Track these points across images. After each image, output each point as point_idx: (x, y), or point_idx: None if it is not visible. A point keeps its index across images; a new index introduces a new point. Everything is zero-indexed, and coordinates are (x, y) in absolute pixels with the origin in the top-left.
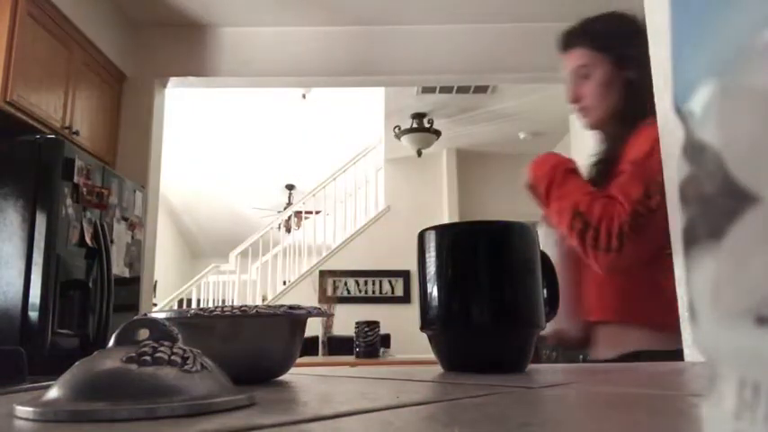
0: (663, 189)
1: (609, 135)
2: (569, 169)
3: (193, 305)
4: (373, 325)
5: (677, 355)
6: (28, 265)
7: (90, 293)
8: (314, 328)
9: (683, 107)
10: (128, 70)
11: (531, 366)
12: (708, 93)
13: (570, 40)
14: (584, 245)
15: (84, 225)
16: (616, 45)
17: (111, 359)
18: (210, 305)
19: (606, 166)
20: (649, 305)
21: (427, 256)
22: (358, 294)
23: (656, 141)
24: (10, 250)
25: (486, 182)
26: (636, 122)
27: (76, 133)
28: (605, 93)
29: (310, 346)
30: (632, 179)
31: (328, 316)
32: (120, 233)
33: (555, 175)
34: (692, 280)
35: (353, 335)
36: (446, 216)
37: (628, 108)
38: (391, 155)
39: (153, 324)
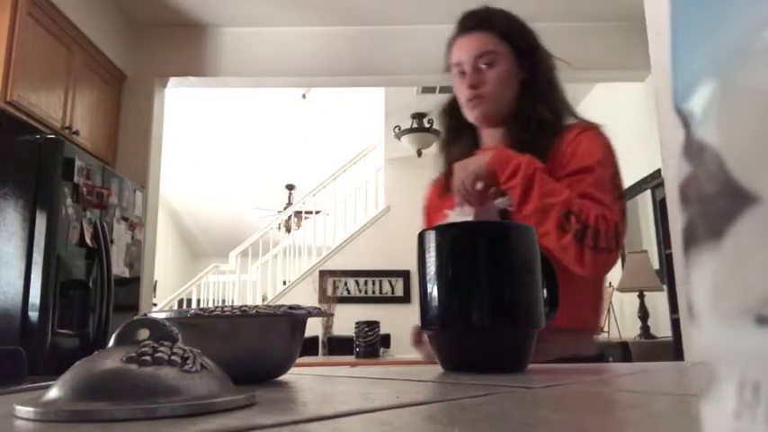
0: (623, 193)
1: (511, 135)
2: (543, 168)
3: (193, 305)
4: (373, 325)
5: (595, 359)
6: (28, 265)
7: (90, 293)
8: (314, 328)
9: (683, 107)
10: (128, 70)
11: (531, 366)
12: (708, 93)
13: (477, 21)
14: (582, 245)
15: (84, 225)
16: (518, 41)
17: (111, 359)
18: (210, 305)
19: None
20: (595, 310)
21: (427, 256)
22: (358, 294)
23: (607, 149)
24: (10, 250)
25: None
26: (550, 127)
27: (76, 133)
28: (504, 86)
29: (310, 346)
30: (604, 182)
31: (328, 316)
32: (120, 233)
33: (535, 172)
34: (692, 280)
35: (353, 335)
36: None
37: (521, 109)
38: (391, 155)
39: (153, 324)
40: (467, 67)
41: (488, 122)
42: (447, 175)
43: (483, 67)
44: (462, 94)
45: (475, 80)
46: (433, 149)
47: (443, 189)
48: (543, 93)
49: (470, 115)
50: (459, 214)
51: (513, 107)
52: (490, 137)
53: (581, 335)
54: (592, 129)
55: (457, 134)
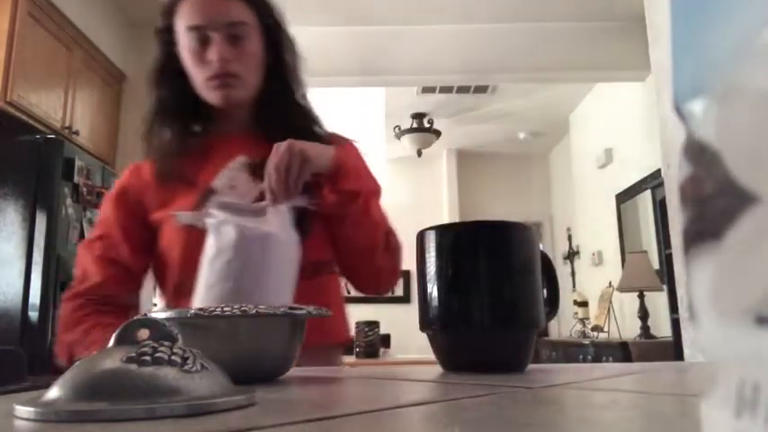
0: None
1: (268, 125)
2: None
3: None
4: (373, 325)
5: None
6: (28, 265)
7: None
8: None
9: (683, 107)
10: (128, 70)
11: (531, 366)
12: (708, 93)
13: None
14: (395, 263)
15: (84, 225)
16: (267, 17)
17: (111, 359)
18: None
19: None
20: (347, 323)
21: (427, 256)
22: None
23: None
24: (10, 250)
25: (486, 182)
26: (318, 126)
27: (76, 133)
28: (254, 68)
29: None
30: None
31: (328, 316)
32: None
33: (378, 187)
34: (692, 280)
35: (353, 335)
36: (446, 216)
37: (275, 97)
38: (391, 155)
39: (153, 324)
40: (213, 35)
41: (233, 107)
42: (168, 162)
43: (231, 39)
44: (204, 68)
45: (227, 53)
46: (433, 149)
47: (165, 177)
48: (294, 82)
49: (214, 96)
50: (229, 210)
51: (258, 94)
52: (230, 122)
53: (335, 348)
54: (354, 144)
55: (177, 111)
